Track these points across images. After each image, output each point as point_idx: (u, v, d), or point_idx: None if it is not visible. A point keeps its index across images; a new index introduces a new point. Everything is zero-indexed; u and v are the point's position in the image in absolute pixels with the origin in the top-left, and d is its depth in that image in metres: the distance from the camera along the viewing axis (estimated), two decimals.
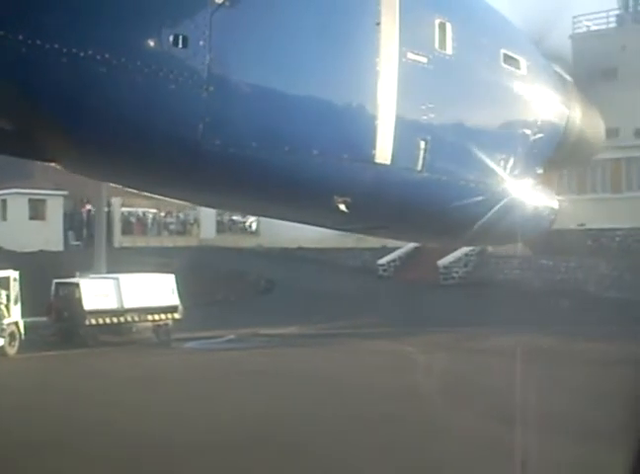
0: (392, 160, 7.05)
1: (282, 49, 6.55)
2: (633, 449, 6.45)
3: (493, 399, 17.29)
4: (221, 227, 60.98)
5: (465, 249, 42.53)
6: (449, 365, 22.30)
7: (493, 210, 8.08)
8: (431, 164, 7.34)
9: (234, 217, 62.58)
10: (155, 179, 6.84)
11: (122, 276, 30.53)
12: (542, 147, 8.51)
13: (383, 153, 6.96)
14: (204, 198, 8.14)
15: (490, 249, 42.59)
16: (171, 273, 32.16)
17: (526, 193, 8.50)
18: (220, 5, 6.10)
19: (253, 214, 9.28)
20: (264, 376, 21.34)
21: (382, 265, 44.90)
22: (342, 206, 7.11)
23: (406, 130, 7.08)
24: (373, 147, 6.91)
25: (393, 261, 44.89)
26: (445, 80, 7.47)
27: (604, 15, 53.30)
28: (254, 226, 63.06)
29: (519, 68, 8.06)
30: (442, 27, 7.29)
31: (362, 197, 7.24)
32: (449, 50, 7.36)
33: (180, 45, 5.99)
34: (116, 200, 54.25)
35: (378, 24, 6.82)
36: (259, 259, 49.94)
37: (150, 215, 58.54)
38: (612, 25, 52.54)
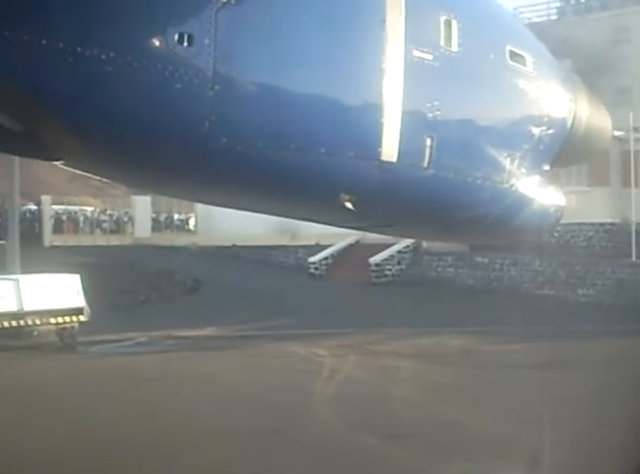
0: (398, 157, 6.97)
1: (288, 48, 6.51)
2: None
3: (381, 410, 15.89)
4: (157, 225, 59.36)
5: (399, 246, 41.57)
6: (352, 370, 21.05)
7: (499, 207, 8.04)
8: (437, 161, 7.28)
9: (171, 215, 61.25)
10: (161, 177, 6.76)
11: (22, 277, 28.91)
12: (549, 143, 8.40)
13: (389, 151, 6.92)
14: (210, 197, 7.89)
15: (425, 246, 41.71)
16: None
17: (533, 189, 8.35)
18: (225, 3, 6.07)
19: (258, 212, 8.76)
20: (151, 383, 19.86)
21: (314, 263, 43.80)
22: (348, 204, 7.05)
23: (412, 128, 7.03)
24: (379, 145, 6.87)
25: (325, 259, 43.82)
26: (451, 77, 7.40)
27: (545, 7, 52.77)
28: (192, 224, 61.77)
29: (525, 65, 7.97)
30: (448, 24, 7.25)
31: (369, 195, 7.19)
32: (455, 47, 7.30)
33: (185, 44, 5.94)
34: (45, 198, 52.47)
35: (384, 21, 6.78)
36: (191, 258, 48.88)
37: (82, 213, 56.72)
38: (554, 17, 51.95)
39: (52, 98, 5.84)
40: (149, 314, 34.49)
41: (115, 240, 54.61)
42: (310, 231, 44.26)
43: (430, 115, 7.17)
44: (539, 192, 8.45)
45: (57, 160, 6.65)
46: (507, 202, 8.04)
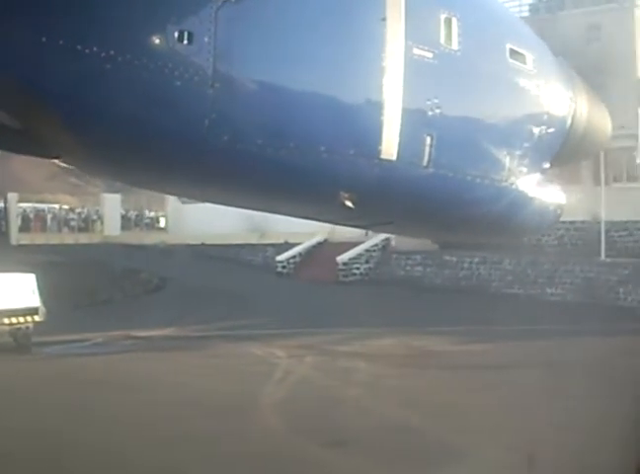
0: (398, 156, 7.00)
1: (288, 46, 6.51)
2: None
3: (327, 414, 15.26)
4: (127, 223, 58.60)
5: (367, 245, 41.04)
6: (306, 372, 20.44)
7: (499, 205, 8.05)
8: (437, 159, 7.30)
9: (141, 213, 60.60)
10: (161, 176, 6.78)
11: None
12: (549, 142, 8.42)
13: (389, 149, 6.94)
14: (209, 195, 7.94)
15: (393, 244, 41.21)
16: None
17: (533, 188, 8.39)
18: (225, 1, 6.07)
19: (258, 210, 8.57)
20: (93, 385, 19.12)
21: (281, 261, 43.19)
22: (348, 202, 7.08)
23: (412, 126, 7.04)
24: (379, 143, 6.89)
25: (293, 257, 43.24)
26: (451, 75, 7.41)
27: (518, 4, 52.39)
28: (162, 222, 61.10)
29: (525, 63, 8.00)
30: (448, 22, 7.27)
31: (368, 193, 7.20)
32: (455, 46, 7.32)
33: (185, 42, 5.95)
34: (12, 196, 51.53)
35: (384, 19, 6.79)
36: (159, 256, 48.17)
37: (51, 211, 55.85)
38: (525, 14, 51.55)
39: (52, 95, 5.84)
40: (111, 314, 33.74)
41: (84, 238, 53.77)
42: (280, 229, 43.69)
43: (429, 113, 7.17)
44: (539, 190, 8.45)
45: (56, 158, 6.68)
46: (506, 201, 8.05)
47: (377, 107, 6.83)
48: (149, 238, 54.48)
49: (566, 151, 8.81)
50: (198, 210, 57.86)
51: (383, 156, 6.94)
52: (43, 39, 5.66)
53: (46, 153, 6.57)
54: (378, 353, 23.75)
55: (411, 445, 13.14)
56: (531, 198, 8.39)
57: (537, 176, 8.43)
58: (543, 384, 18.88)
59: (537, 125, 8.21)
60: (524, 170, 8.16)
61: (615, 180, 41.60)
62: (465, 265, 38.77)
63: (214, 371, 21.54)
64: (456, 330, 27.64)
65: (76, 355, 26.76)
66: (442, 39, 7.26)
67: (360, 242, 40.85)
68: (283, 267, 43.32)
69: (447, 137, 7.35)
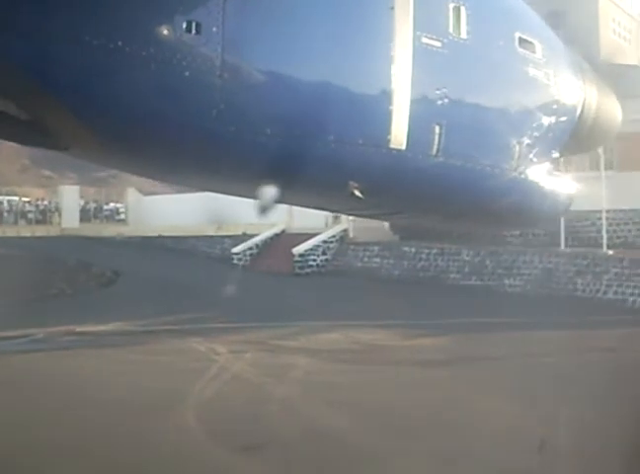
0: (407, 145, 6.97)
1: (296, 35, 6.46)
2: None
3: (249, 415, 14.45)
4: (86, 215, 57.67)
5: (324, 236, 40.33)
6: (242, 369, 19.66)
7: (508, 195, 8.03)
8: (446, 149, 7.28)
9: (100, 205, 59.77)
10: (168, 166, 6.71)
11: None
12: (558, 131, 8.38)
13: (398, 138, 6.91)
14: (217, 185, 7.84)
15: (351, 235, 40.55)
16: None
17: (543, 177, 8.37)
18: None
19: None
20: (12, 386, 18.11)
21: (237, 253, 42.42)
22: (356, 192, 7.02)
23: (421, 115, 7.02)
24: (388, 132, 6.86)
25: (249, 249, 42.53)
26: (460, 64, 7.38)
27: None
28: (122, 214, 60.27)
29: (534, 52, 7.96)
30: (457, 10, 7.24)
31: (377, 183, 7.20)
32: (464, 34, 7.29)
33: (193, 32, 5.92)
34: None
35: (392, 8, 6.76)
36: (117, 249, 47.36)
37: (6, 203, 54.76)
38: None
39: (59, 86, 5.80)
40: (58, 308, 32.80)
41: (41, 231, 52.79)
42: (238, 221, 42.92)
43: (439, 102, 7.16)
44: (549, 179, 8.46)
45: (64, 149, 6.63)
46: (516, 190, 8.07)
47: (386, 96, 6.81)
48: (108, 230, 53.78)
49: (576, 140, 8.77)
50: (158, 202, 57.21)
51: (392, 145, 6.92)
52: (50, 30, 5.64)
53: (55, 144, 6.50)
54: (323, 348, 22.99)
55: (328, 451, 12.33)
56: (541, 187, 8.37)
57: (547, 165, 8.43)
58: (491, 381, 18.25)
59: (547, 115, 8.19)
60: (534, 159, 8.15)
61: (578, 169, 41.06)
62: (423, 256, 38.11)
63: (149, 368, 20.71)
64: (409, 323, 26.98)
65: (11, 353, 25.81)
66: (451, 28, 7.23)
67: (318, 233, 40.12)
68: (240, 259, 42.58)
69: (457, 126, 7.34)
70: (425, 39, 7.02)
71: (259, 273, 38.44)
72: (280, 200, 7.85)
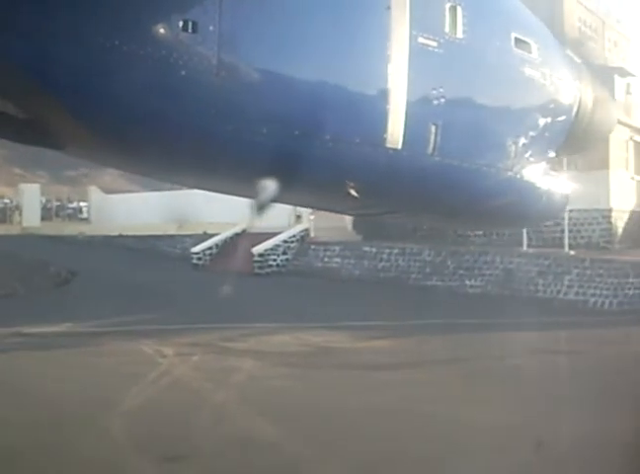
0: (403, 144, 6.98)
1: (293, 34, 6.47)
2: None
3: (176, 423, 13.76)
4: (47, 214, 56.83)
5: (284, 235, 39.77)
6: (184, 374, 19.09)
7: (504, 194, 8.03)
8: (442, 148, 7.28)
9: (62, 203, 58.94)
10: (166, 164, 6.69)
11: None
12: (554, 131, 8.39)
13: (394, 137, 6.91)
14: (214, 185, 7.84)
15: (312, 235, 40.02)
16: None
17: (538, 177, 8.36)
18: None
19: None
20: None
21: (197, 253, 41.83)
22: (352, 191, 7.03)
23: (417, 115, 7.02)
24: (384, 131, 6.86)
25: (209, 248, 41.91)
26: (456, 64, 7.38)
27: None
28: (85, 213, 59.40)
29: (530, 52, 7.97)
30: (453, 10, 7.27)
31: (373, 182, 7.21)
32: (460, 34, 7.32)
33: (190, 31, 5.92)
34: None
35: (388, 8, 6.79)
36: (76, 248, 46.55)
37: None
38: None
39: (56, 85, 5.78)
40: (9, 309, 31.84)
41: (1, 229, 51.86)
42: (199, 220, 42.21)
43: (435, 101, 7.17)
44: (545, 179, 8.46)
45: (62, 148, 6.63)
46: (512, 189, 8.07)
47: (382, 95, 6.82)
48: (70, 229, 52.88)
49: (572, 140, 8.78)
50: (122, 200, 56.43)
51: (388, 145, 6.91)
52: (47, 29, 5.64)
53: (53, 144, 6.48)
54: (273, 350, 22.44)
55: (256, 463, 11.70)
56: (538, 187, 8.36)
57: (543, 165, 8.44)
58: (443, 386, 17.71)
59: (543, 114, 8.21)
60: (531, 159, 8.16)
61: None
62: (384, 256, 37.63)
63: (89, 372, 20.00)
64: (365, 325, 26.56)
65: None
66: (447, 28, 7.25)
67: (278, 233, 39.56)
68: (199, 258, 41.97)
69: (453, 126, 7.35)
70: (421, 39, 7.04)
71: (217, 272, 37.75)
72: (276, 200, 7.72)
